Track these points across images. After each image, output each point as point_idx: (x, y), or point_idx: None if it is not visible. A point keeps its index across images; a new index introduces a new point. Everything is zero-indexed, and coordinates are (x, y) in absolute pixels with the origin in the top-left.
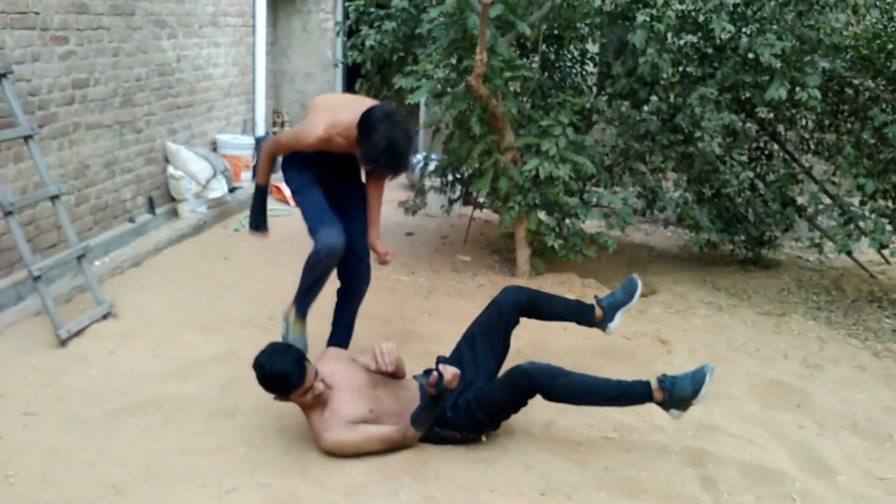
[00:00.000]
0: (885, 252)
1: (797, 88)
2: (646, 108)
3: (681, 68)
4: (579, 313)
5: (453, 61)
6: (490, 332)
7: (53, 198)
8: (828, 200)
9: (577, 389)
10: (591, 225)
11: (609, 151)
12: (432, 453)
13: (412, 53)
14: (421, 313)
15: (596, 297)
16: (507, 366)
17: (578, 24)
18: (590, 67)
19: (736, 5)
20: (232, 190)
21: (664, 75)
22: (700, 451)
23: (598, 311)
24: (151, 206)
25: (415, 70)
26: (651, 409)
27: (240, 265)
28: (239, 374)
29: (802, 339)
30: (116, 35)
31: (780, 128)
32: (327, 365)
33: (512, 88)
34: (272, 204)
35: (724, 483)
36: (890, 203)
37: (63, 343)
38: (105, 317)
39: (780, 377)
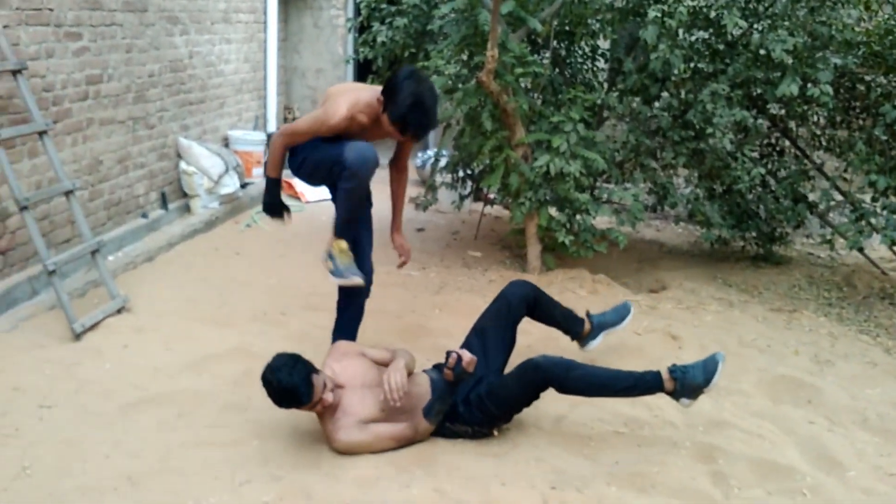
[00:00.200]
0: None
1: (809, 85)
2: (657, 104)
3: (692, 64)
4: (571, 323)
5: (464, 57)
6: (499, 326)
7: (68, 193)
8: (839, 197)
9: (591, 381)
10: (602, 221)
11: (620, 147)
12: (443, 447)
13: (423, 50)
14: (432, 308)
15: (588, 312)
16: (514, 360)
17: (590, 21)
18: (601, 63)
19: (748, 1)
20: (244, 186)
21: (676, 71)
22: (710, 446)
23: (587, 326)
24: (164, 201)
25: (426, 66)
26: (662, 404)
27: (251, 260)
28: (251, 368)
29: (813, 336)
30: (129, 31)
31: (792, 124)
32: (336, 361)
33: (523, 84)
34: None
35: (734, 478)
36: None
37: (77, 337)
38: (119, 311)
39: (790, 373)
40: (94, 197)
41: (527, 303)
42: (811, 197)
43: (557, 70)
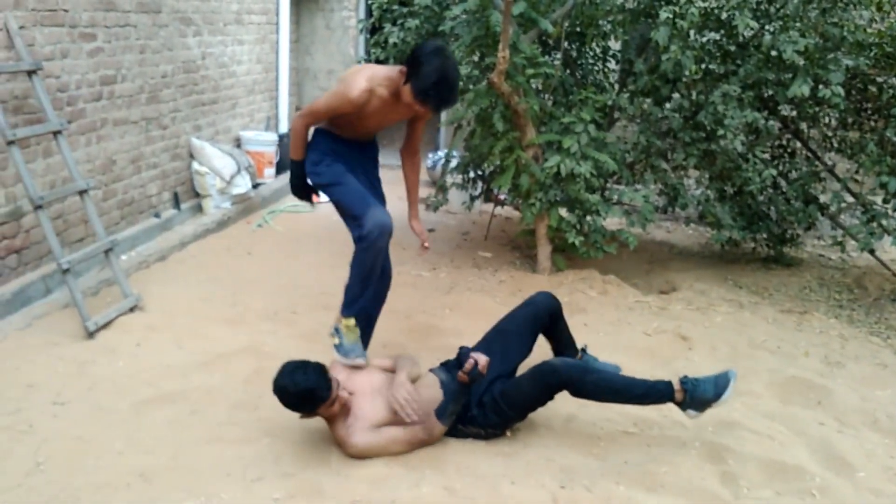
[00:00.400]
0: None
1: (820, 86)
2: (668, 105)
3: (703, 65)
4: (569, 350)
5: (476, 58)
6: (523, 332)
7: (82, 192)
8: (850, 198)
9: (606, 387)
10: (613, 222)
11: (631, 149)
12: (454, 446)
13: None
14: (442, 308)
15: (584, 348)
16: (526, 364)
17: (601, 22)
18: (612, 64)
19: (759, 2)
20: (255, 186)
21: (687, 72)
22: (720, 446)
23: (579, 356)
24: (177, 201)
25: None
26: (672, 405)
27: (263, 260)
28: (262, 367)
29: (824, 337)
30: (143, 32)
31: (803, 125)
32: (341, 372)
33: (534, 85)
34: (294, 201)
35: (743, 478)
36: None
37: (91, 335)
38: (132, 310)
39: (800, 374)
40: (107, 196)
41: (551, 316)
42: (822, 198)
43: (568, 71)
